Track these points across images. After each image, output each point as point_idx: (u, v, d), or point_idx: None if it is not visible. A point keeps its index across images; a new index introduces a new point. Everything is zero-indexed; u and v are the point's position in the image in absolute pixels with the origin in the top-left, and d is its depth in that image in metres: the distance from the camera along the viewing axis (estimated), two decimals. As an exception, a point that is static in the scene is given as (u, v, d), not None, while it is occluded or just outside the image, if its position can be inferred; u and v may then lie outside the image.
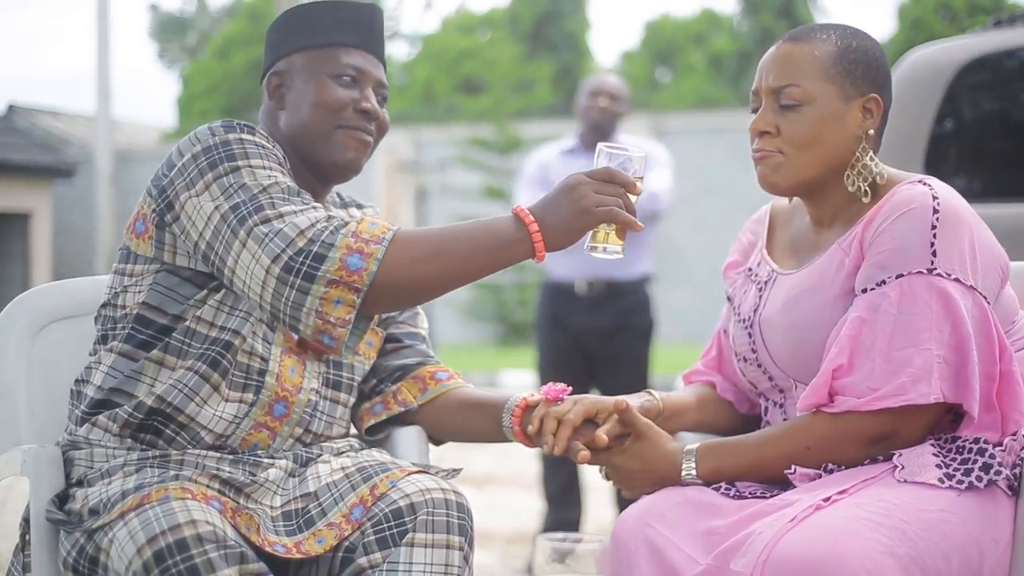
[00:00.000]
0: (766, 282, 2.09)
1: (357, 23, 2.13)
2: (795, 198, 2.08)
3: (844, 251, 1.97)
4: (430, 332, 2.34)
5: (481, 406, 2.19)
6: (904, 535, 1.76)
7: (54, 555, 1.93)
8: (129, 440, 1.97)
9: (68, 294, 2.26)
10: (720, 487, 1.96)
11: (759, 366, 2.08)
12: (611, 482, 2.09)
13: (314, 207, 1.92)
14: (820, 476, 1.90)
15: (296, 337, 2.05)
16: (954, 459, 1.87)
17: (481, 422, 2.18)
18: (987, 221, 1.99)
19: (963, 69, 3.62)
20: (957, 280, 1.88)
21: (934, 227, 1.88)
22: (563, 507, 4.67)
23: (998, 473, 1.84)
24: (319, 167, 2.11)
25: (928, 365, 1.85)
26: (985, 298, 1.90)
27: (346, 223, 1.89)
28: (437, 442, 2.27)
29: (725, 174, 17.61)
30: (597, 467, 2.10)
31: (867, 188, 1.99)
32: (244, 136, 2.00)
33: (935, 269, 1.87)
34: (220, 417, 1.99)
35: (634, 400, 2.10)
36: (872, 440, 1.89)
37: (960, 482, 1.83)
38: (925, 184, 1.94)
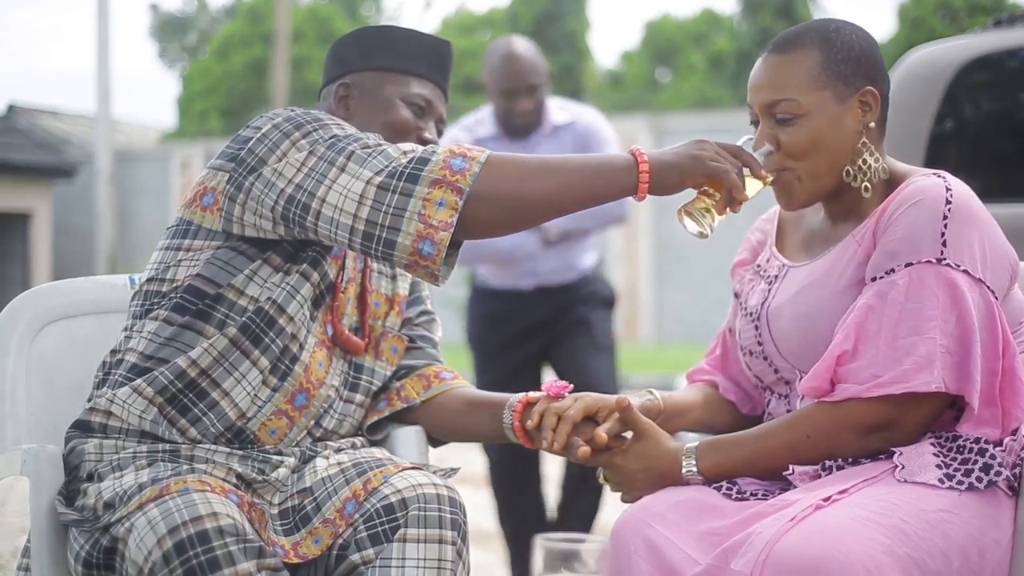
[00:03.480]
0: (776, 276, 2.10)
1: (432, 56, 2.19)
2: None
3: (858, 242, 1.98)
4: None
5: (482, 404, 2.19)
6: (904, 535, 1.76)
7: (56, 554, 1.93)
8: (153, 413, 1.96)
9: (68, 294, 2.27)
10: (721, 487, 1.96)
11: (765, 358, 2.08)
12: (609, 485, 2.08)
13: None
14: (819, 476, 1.90)
15: (331, 332, 2.07)
16: (954, 459, 1.87)
17: (482, 420, 2.18)
18: (989, 219, 1.99)
19: (963, 69, 3.62)
20: (966, 272, 1.88)
21: (945, 217, 1.89)
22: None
23: (998, 474, 1.84)
24: None
25: (932, 354, 1.85)
26: (993, 292, 1.90)
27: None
28: (436, 443, 2.27)
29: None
30: (596, 469, 2.09)
31: (868, 184, 1.99)
32: (317, 113, 2.01)
33: (944, 259, 1.88)
34: (248, 394, 1.99)
35: (635, 399, 2.10)
36: (871, 428, 1.89)
37: (960, 482, 1.83)
38: (939, 176, 1.96)
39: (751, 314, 2.11)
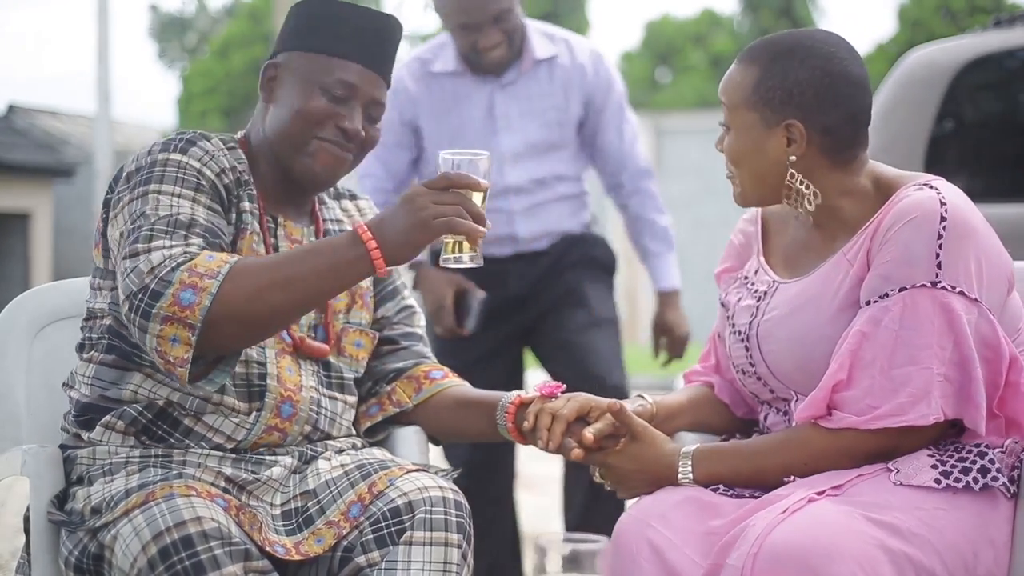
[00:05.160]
0: (765, 292, 2.06)
1: (367, 36, 2.07)
2: None
3: (849, 261, 1.94)
4: (427, 332, 2.34)
5: (475, 404, 2.19)
6: (897, 530, 1.76)
7: (55, 555, 1.93)
8: (133, 439, 1.97)
9: (68, 294, 2.27)
10: (718, 487, 1.96)
11: (758, 378, 2.06)
12: (606, 483, 2.08)
13: (186, 243, 1.88)
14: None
15: (288, 339, 2.06)
16: (951, 456, 1.86)
17: (475, 420, 2.18)
18: (987, 221, 1.97)
19: (963, 69, 3.62)
20: (962, 293, 1.85)
21: (940, 236, 1.85)
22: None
23: (995, 479, 1.83)
24: (289, 173, 2.09)
25: (928, 384, 1.83)
26: (991, 310, 1.88)
27: (193, 256, 1.85)
28: (436, 441, 2.27)
29: (725, 174, 17.52)
30: (591, 468, 2.09)
31: (807, 210, 1.98)
32: (173, 156, 1.97)
33: (939, 282, 1.85)
34: (233, 424, 1.99)
35: (627, 404, 2.10)
36: (870, 456, 1.88)
37: (957, 480, 1.83)
38: (932, 188, 1.91)
39: (740, 333, 2.07)
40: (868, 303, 1.89)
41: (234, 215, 2.03)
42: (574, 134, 3.43)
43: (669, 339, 3.57)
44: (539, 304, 3.41)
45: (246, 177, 2.06)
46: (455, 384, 2.24)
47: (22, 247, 18.48)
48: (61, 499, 1.96)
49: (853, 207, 1.98)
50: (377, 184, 3.41)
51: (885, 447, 1.87)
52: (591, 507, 3.34)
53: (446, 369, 2.27)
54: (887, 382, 1.85)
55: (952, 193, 1.91)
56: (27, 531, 2.01)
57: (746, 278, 2.13)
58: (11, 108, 21.01)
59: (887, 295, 1.87)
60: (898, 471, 1.85)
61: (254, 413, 2.00)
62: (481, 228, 1.87)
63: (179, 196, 1.94)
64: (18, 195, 18.27)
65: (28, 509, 2.00)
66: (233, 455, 1.98)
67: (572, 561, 2.10)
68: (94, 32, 14.58)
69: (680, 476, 1.98)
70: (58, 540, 1.93)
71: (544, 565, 2.10)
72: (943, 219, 1.86)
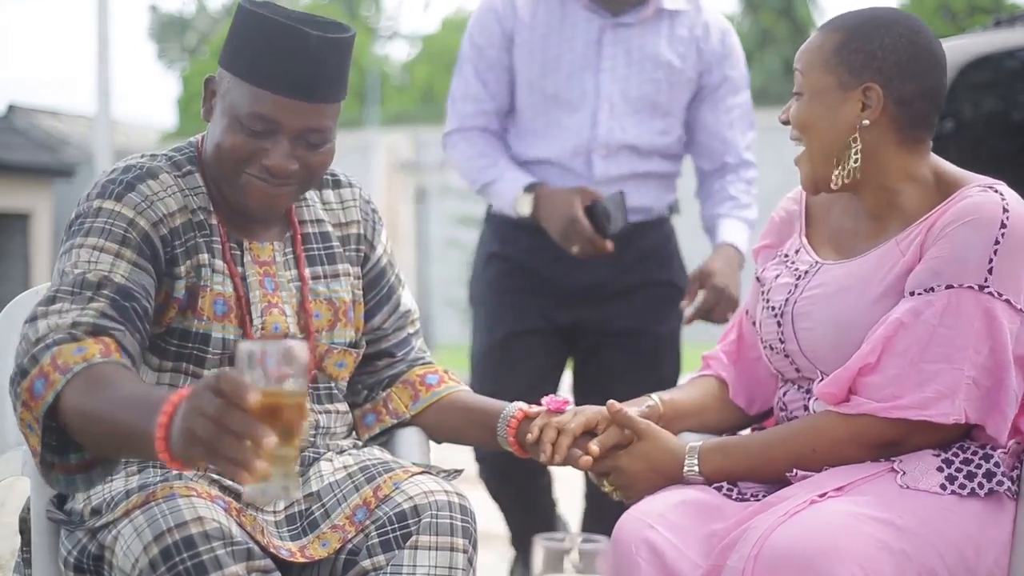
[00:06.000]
0: (806, 272, 2.03)
1: (296, 61, 1.85)
2: None
3: (901, 251, 1.92)
4: (428, 333, 2.33)
5: (476, 412, 2.16)
6: (899, 531, 1.75)
7: (55, 555, 1.93)
8: None
9: (68, 294, 2.26)
10: (722, 487, 1.96)
11: (786, 356, 2.03)
12: (614, 493, 2.06)
13: (85, 307, 1.79)
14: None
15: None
16: (956, 455, 1.86)
17: (475, 430, 2.16)
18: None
19: (963, 69, 3.62)
20: (1008, 302, 1.83)
21: (997, 243, 1.83)
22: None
23: (1000, 483, 1.83)
24: (229, 198, 1.99)
25: (956, 384, 1.82)
26: None
27: (73, 339, 1.75)
28: (436, 440, 2.25)
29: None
30: (597, 480, 2.07)
31: (844, 182, 1.95)
32: (107, 205, 1.89)
33: (987, 287, 1.83)
34: None
35: (633, 408, 2.08)
36: (881, 445, 1.87)
37: (963, 486, 1.82)
38: (998, 192, 1.89)
39: (774, 309, 2.04)
40: (912, 294, 1.87)
41: (184, 267, 1.93)
42: (682, 104, 3.05)
43: (709, 292, 2.94)
44: (595, 320, 3.02)
45: (200, 217, 1.96)
46: (452, 389, 2.20)
47: (22, 247, 18.48)
48: (61, 499, 1.95)
49: (912, 196, 1.95)
50: (479, 107, 3.03)
51: (897, 439, 1.86)
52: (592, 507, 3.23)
53: (441, 370, 2.24)
54: (915, 374, 1.83)
55: (1015, 201, 1.88)
56: (22, 531, 2.01)
57: (786, 256, 2.11)
58: (11, 108, 21.03)
59: (932, 289, 1.85)
60: (904, 473, 1.84)
61: None
62: (253, 470, 1.38)
63: (101, 250, 1.85)
64: (18, 195, 18.28)
65: (24, 509, 2.00)
66: None
67: (571, 561, 2.10)
68: (94, 32, 14.58)
69: (686, 470, 1.97)
70: (58, 540, 1.92)
71: (543, 564, 2.10)
72: (1003, 226, 1.84)
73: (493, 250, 3.10)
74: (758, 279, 2.13)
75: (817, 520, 1.74)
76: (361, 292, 2.14)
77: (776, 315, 2.03)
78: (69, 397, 1.70)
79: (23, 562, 1.98)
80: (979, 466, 1.84)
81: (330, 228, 2.12)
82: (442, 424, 2.19)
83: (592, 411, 2.05)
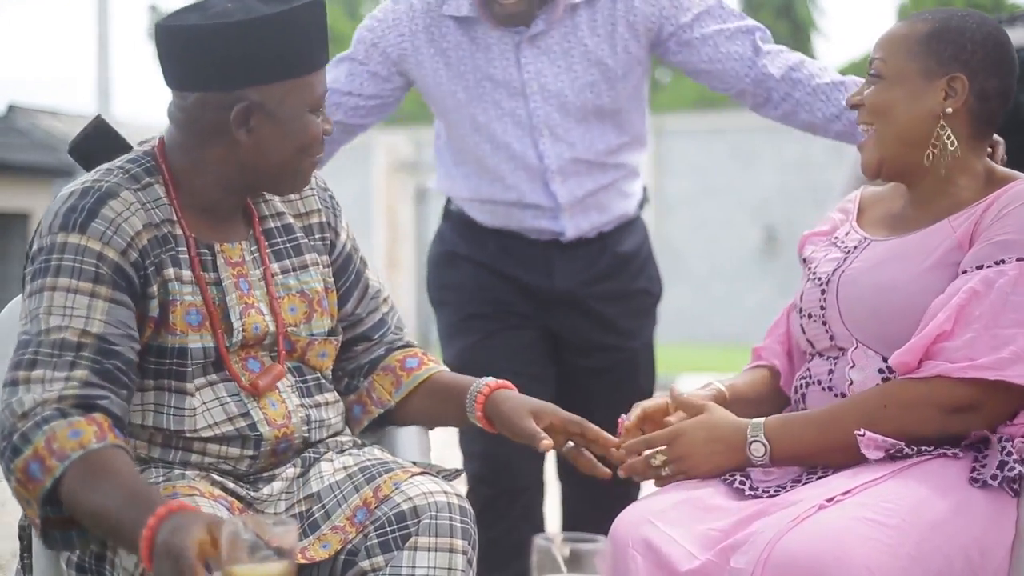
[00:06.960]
0: (855, 247, 2.08)
1: (303, 37, 1.90)
2: (890, 183, 2.11)
3: (953, 228, 1.97)
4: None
5: (453, 391, 2.14)
6: (906, 535, 1.76)
7: (57, 555, 1.92)
8: (133, 441, 1.94)
9: (68, 294, 2.25)
10: (734, 480, 1.95)
11: (824, 323, 2.05)
12: (664, 467, 2.00)
13: (69, 374, 1.77)
14: (889, 450, 1.87)
15: (246, 382, 1.97)
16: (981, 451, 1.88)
17: (446, 407, 2.14)
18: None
19: (963, 69, 3.61)
20: None
21: None
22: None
23: (1011, 469, 1.84)
24: (264, 189, 2.02)
25: None
26: None
27: (63, 415, 1.74)
28: (426, 426, 2.24)
29: (725, 174, 17.56)
30: (651, 462, 2.01)
31: (945, 169, 2.00)
32: (71, 240, 1.85)
33: None
34: (232, 466, 1.96)
35: (698, 391, 2.11)
36: (956, 408, 1.88)
37: (977, 478, 1.84)
38: None
39: (819, 278, 2.08)
40: (981, 267, 1.90)
41: (155, 286, 1.90)
42: (632, 92, 2.75)
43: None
44: (567, 327, 2.86)
45: (165, 230, 1.93)
46: (433, 371, 2.18)
47: (22, 247, 18.48)
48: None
49: (967, 187, 2.01)
50: (334, 99, 2.74)
51: (971, 401, 1.87)
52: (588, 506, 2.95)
53: (419, 352, 2.21)
54: (990, 338, 1.86)
55: None
56: (21, 538, 2.00)
57: (836, 238, 2.16)
58: (11, 108, 21.04)
59: (1003, 262, 1.89)
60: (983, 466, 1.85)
61: (249, 461, 1.96)
62: None
63: (76, 292, 1.83)
64: (18, 195, 18.30)
65: (23, 516, 1.98)
66: (232, 476, 1.97)
67: (572, 561, 2.10)
68: (94, 32, 14.59)
69: (750, 439, 1.95)
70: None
71: (542, 564, 2.10)
72: None
73: (459, 251, 2.90)
74: (804, 260, 2.18)
75: (827, 526, 1.74)
76: (332, 280, 2.13)
77: (821, 284, 2.07)
78: (67, 486, 1.71)
79: (23, 568, 1.98)
80: (992, 456, 1.86)
81: (291, 220, 2.09)
82: (426, 408, 2.17)
83: (650, 402, 2.09)
